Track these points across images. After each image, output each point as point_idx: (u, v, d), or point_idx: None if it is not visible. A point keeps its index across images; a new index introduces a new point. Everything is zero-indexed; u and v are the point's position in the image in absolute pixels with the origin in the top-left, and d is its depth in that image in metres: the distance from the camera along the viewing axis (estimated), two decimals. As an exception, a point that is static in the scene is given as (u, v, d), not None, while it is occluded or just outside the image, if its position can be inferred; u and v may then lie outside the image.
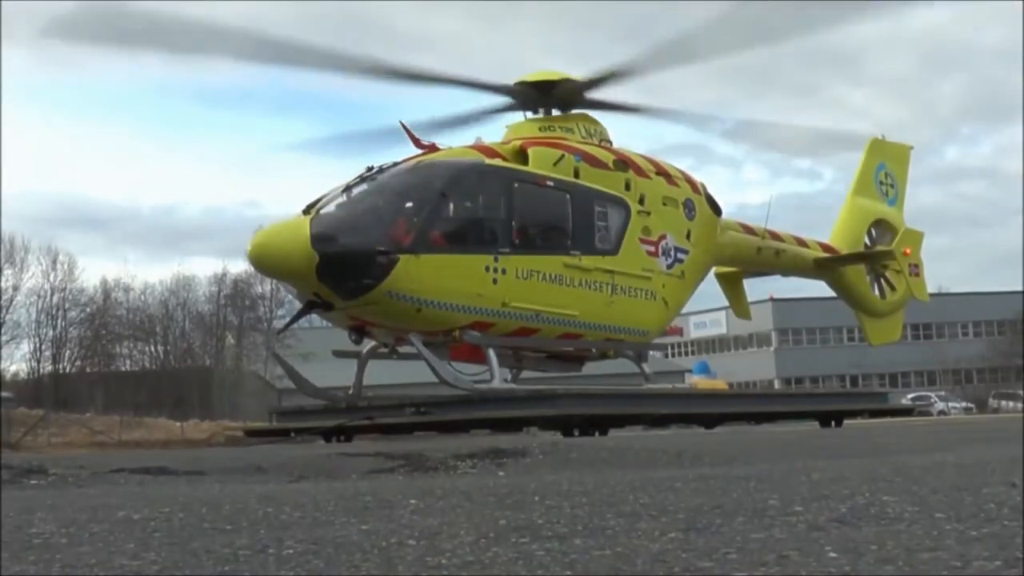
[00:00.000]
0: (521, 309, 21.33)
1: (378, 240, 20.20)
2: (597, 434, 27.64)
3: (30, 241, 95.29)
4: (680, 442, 19.02)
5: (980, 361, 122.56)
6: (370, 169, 21.32)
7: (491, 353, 20.99)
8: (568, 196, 22.54)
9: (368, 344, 22.53)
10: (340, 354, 22.80)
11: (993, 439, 18.07)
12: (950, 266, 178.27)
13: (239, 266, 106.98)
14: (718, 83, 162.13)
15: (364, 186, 21.18)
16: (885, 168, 33.08)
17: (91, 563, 5.25)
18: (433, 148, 22.01)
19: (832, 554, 4.87)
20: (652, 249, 23.60)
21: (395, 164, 21.37)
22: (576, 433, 27.27)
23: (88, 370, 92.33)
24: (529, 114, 24.33)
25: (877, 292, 30.75)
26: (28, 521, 7.05)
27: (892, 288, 30.78)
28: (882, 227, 31.48)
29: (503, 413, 30.53)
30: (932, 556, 4.71)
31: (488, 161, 22.00)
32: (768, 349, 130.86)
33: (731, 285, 29.50)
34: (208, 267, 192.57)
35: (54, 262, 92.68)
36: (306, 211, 20.66)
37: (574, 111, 24.19)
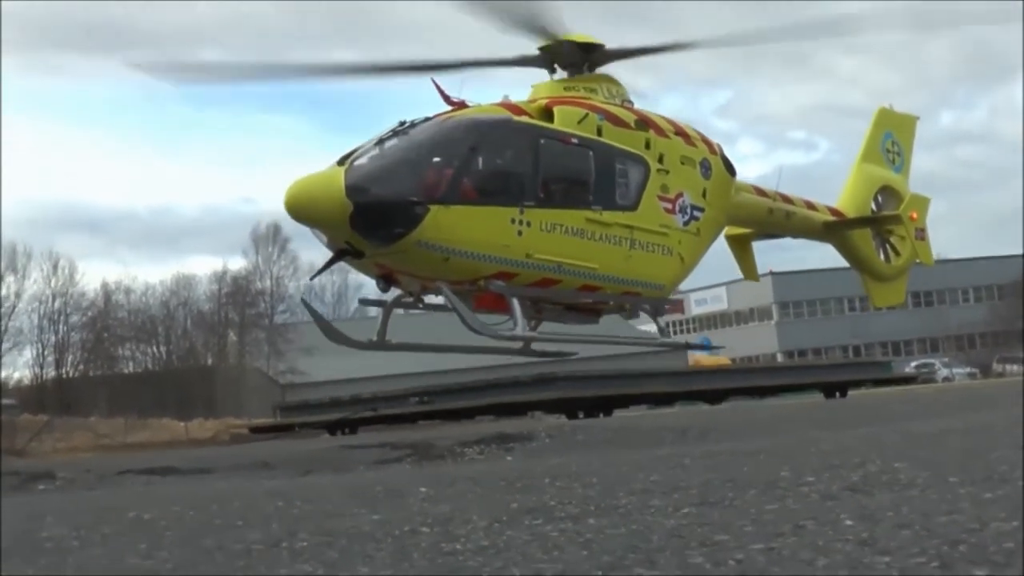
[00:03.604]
0: (544, 261, 21.74)
1: (410, 191, 20.54)
2: (602, 415, 27.68)
3: (31, 247, 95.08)
4: (686, 420, 19.04)
5: (982, 326, 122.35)
6: (402, 123, 21.78)
7: (514, 302, 21.36)
8: (591, 153, 22.93)
9: (394, 293, 22.91)
10: (365, 302, 23.50)
11: (1000, 404, 18.07)
12: (948, 231, 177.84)
13: (238, 263, 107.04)
14: (710, 58, 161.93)
15: (396, 140, 21.43)
16: (892, 137, 33.52)
17: (104, 564, 5.23)
18: (462, 105, 22.44)
19: (848, 522, 4.85)
20: (669, 206, 24.04)
21: (426, 119, 21.77)
22: (581, 415, 27.30)
23: (91, 374, 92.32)
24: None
25: (882, 256, 30.97)
26: (38, 526, 7.03)
27: (897, 253, 30.98)
28: (888, 193, 31.74)
29: (507, 398, 30.58)
30: (949, 519, 4.69)
31: (515, 118, 22.37)
32: (769, 323, 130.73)
33: (741, 248, 29.72)
34: (207, 265, 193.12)
35: (55, 267, 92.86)
36: (340, 162, 20.90)
37: (597, 71, 24.74)
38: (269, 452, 17.77)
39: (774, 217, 28.09)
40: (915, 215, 30.62)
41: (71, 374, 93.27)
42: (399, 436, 19.70)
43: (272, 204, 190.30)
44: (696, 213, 24.72)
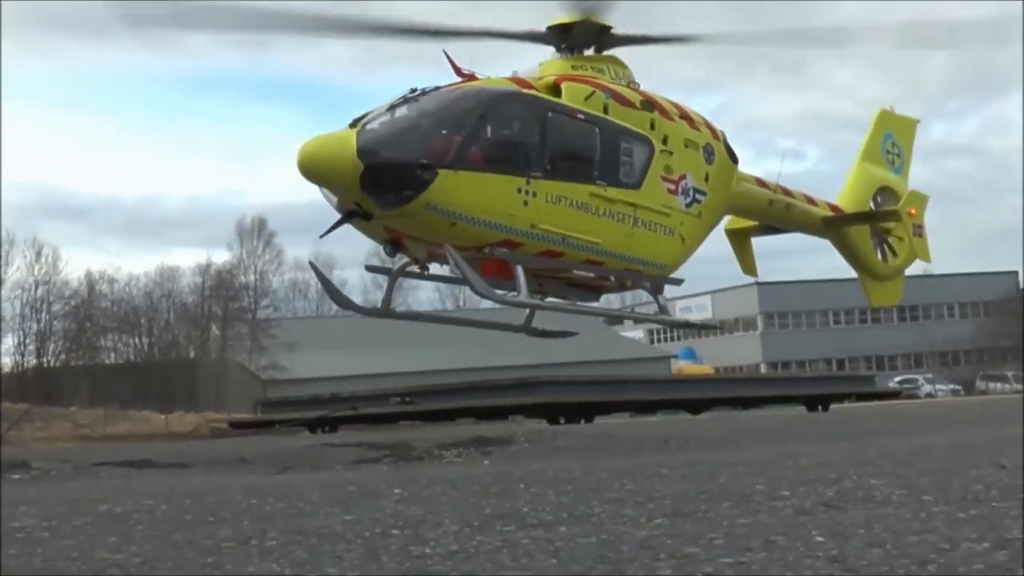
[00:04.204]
0: (548, 232, 22.12)
1: (420, 154, 20.85)
2: (583, 422, 27.71)
3: (14, 234, 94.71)
4: (667, 428, 19.06)
5: (967, 343, 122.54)
6: (413, 91, 22.11)
7: (519, 269, 21.60)
8: (597, 129, 23.25)
9: (400, 261, 23.21)
10: (372, 269, 23.86)
11: (981, 421, 18.11)
12: (936, 245, 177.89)
13: (223, 256, 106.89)
14: (706, 61, 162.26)
15: (407, 106, 21.76)
16: (893, 138, 33.79)
17: (73, 556, 5.21)
18: (472, 77, 22.72)
19: (819, 538, 4.84)
20: (672, 187, 24.37)
21: (436, 88, 22.02)
22: (562, 421, 27.32)
23: (73, 363, 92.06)
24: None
25: (880, 256, 31.17)
26: (11, 515, 7.00)
27: (895, 254, 31.19)
28: (887, 194, 31.95)
29: (488, 402, 30.60)
30: (920, 539, 4.68)
31: (524, 91, 22.87)
32: (754, 333, 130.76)
33: (740, 242, 29.96)
34: (192, 257, 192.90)
35: (38, 255, 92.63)
36: (352, 125, 21.26)
37: (604, 53, 25.04)
38: (248, 448, 17.76)
39: (774, 209, 28.32)
40: (913, 211, 30.79)
41: (52, 363, 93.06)
42: (379, 436, 19.71)
43: (258, 198, 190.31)
44: (698, 196, 25.02)
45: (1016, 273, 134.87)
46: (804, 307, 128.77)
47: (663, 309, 25.47)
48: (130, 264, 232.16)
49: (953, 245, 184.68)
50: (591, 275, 23.93)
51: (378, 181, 20.53)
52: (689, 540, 4.95)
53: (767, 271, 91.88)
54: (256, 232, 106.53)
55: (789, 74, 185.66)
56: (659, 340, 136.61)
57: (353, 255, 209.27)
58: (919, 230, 31.12)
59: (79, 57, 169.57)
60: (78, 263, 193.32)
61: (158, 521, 6.70)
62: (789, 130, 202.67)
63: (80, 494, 9.14)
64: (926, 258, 32.00)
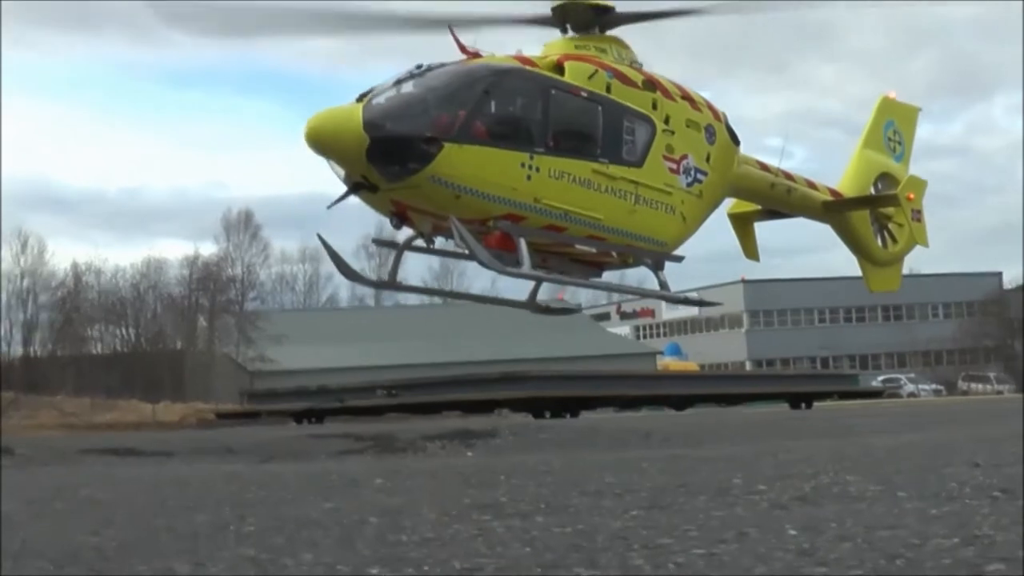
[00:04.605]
0: (551, 207, 22.52)
1: (425, 128, 21.20)
2: (568, 416, 27.77)
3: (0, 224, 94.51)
4: (651, 424, 19.10)
5: (950, 343, 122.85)
6: (419, 67, 22.46)
7: (522, 242, 21.90)
8: (600, 107, 23.62)
9: (406, 234, 23.50)
10: (379, 243, 24.12)
11: (961, 421, 18.17)
12: (919, 247, 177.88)
13: (210, 248, 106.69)
14: (689, 59, 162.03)
15: (413, 81, 22.11)
16: (894, 126, 33.95)
17: (51, 540, 5.24)
18: (477, 55, 22.97)
19: (792, 531, 4.89)
20: (674, 167, 24.69)
21: (442, 64, 22.33)
22: (547, 415, 27.39)
23: (59, 353, 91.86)
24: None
25: (880, 242, 31.35)
26: (-8, 500, 7.04)
27: (895, 240, 31.36)
28: (888, 181, 32.11)
29: (474, 395, 30.65)
30: (891, 534, 4.73)
31: (528, 68, 23.24)
32: (739, 331, 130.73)
33: (743, 226, 30.19)
34: (178, 250, 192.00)
35: (24, 245, 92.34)
36: (359, 99, 21.71)
37: (608, 33, 25.27)
38: (233, 438, 17.80)
39: (775, 192, 28.56)
40: (912, 196, 30.96)
41: (39, 353, 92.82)
42: (364, 428, 19.74)
43: (244, 190, 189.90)
44: (699, 176, 25.31)
45: (1000, 274, 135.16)
46: (789, 305, 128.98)
47: (663, 285, 25.67)
48: (116, 256, 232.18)
49: (937, 245, 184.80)
50: (593, 250, 24.23)
51: (384, 154, 20.87)
52: (663, 531, 5.00)
53: (752, 271, 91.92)
54: (243, 225, 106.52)
55: (775, 72, 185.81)
56: (645, 336, 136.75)
57: (342, 245, 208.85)
58: (918, 215, 31.29)
59: (66, 49, 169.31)
60: (64, 254, 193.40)
61: (138, 507, 6.74)
62: (774, 129, 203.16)
63: (62, 480, 9.17)
64: (924, 243, 32.15)
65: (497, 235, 22.31)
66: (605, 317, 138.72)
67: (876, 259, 31.54)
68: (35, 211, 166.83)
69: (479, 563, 4.29)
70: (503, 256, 22.45)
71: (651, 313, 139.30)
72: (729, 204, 28.80)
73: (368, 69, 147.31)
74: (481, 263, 22.35)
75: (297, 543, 4.95)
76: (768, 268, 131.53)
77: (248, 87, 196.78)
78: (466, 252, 22.44)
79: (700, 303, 26.97)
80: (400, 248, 24.52)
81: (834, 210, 30.22)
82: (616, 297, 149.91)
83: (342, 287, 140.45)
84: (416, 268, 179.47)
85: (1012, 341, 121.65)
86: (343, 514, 6.00)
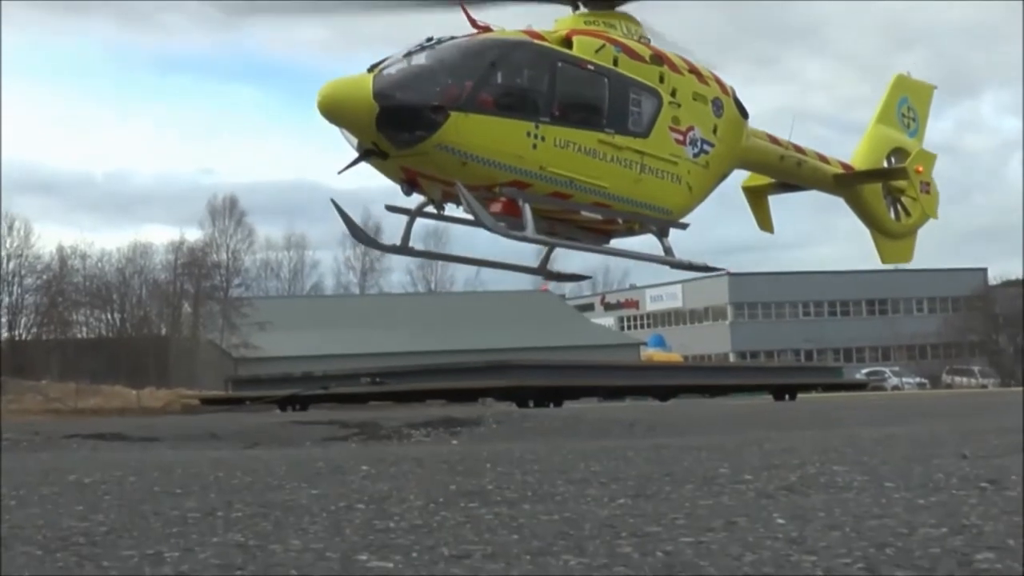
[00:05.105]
0: (557, 174, 23.14)
1: (433, 97, 21.92)
2: (552, 405, 27.78)
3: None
4: (634, 413, 19.13)
5: (934, 337, 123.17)
6: (429, 39, 23.02)
7: (526, 207, 22.31)
8: (606, 80, 24.26)
9: (417, 201, 23.92)
10: (392, 209, 24.57)
11: (945, 414, 18.21)
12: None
13: (195, 234, 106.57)
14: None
15: (423, 53, 22.74)
16: (908, 103, 34.18)
17: (39, 524, 5.23)
18: (487, 29, 23.33)
19: (780, 520, 4.89)
20: (680, 138, 25.17)
21: (452, 38, 23.10)
22: (531, 404, 27.41)
23: (44, 337, 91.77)
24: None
25: (893, 215, 31.55)
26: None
27: (908, 214, 31.53)
28: (901, 156, 32.35)
29: (458, 384, 30.65)
30: (879, 523, 4.74)
31: (536, 41, 23.86)
32: (724, 323, 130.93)
33: (757, 199, 30.52)
34: (164, 235, 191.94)
35: (10, 228, 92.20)
36: (370, 70, 22.29)
37: (618, 9, 25.55)
38: (218, 424, 17.78)
39: (785, 164, 28.87)
40: (920, 168, 31.18)
41: (24, 337, 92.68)
42: (349, 415, 19.75)
43: (230, 177, 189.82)
44: (706, 147, 25.81)
45: (985, 270, 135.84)
46: (774, 298, 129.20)
47: (668, 251, 25.88)
48: (102, 240, 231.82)
49: (924, 242, 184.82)
50: (598, 217, 24.49)
51: (392, 122, 21.54)
52: (651, 520, 5.00)
53: (737, 263, 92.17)
54: (227, 211, 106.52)
55: (764, 68, 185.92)
56: (629, 327, 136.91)
57: (327, 237, 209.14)
58: (927, 187, 31.48)
59: (53, 32, 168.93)
60: (50, 238, 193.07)
61: (126, 492, 6.73)
62: (766, 125, 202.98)
63: (49, 464, 9.16)
64: (934, 214, 32.31)
65: (503, 201, 22.91)
66: (589, 308, 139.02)
67: (889, 232, 31.85)
68: (21, 194, 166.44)
69: (467, 550, 4.29)
70: (509, 221, 22.83)
71: (635, 304, 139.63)
72: (744, 178, 29.18)
73: (356, 59, 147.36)
74: (485, 226, 22.87)
75: (285, 529, 4.95)
76: (753, 261, 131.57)
77: (236, 74, 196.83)
78: (474, 219, 23.04)
79: (705, 268, 27.14)
80: (412, 215, 24.94)
81: (844, 183, 30.51)
82: (601, 288, 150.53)
83: (327, 276, 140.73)
84: (401, 258, 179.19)
85: (996, 336, 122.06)
86: (330, 500, 6.01)
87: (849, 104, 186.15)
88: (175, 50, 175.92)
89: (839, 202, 31.49)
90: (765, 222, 31.02)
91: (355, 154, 22.16)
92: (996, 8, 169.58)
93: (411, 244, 25.95)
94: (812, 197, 32.29)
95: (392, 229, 26.37)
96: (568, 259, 35.80)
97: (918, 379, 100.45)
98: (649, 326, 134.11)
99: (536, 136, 22.70)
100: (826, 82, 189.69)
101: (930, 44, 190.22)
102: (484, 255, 31.79)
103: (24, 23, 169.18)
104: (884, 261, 33.48)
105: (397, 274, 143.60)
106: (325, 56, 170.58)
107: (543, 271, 26.39)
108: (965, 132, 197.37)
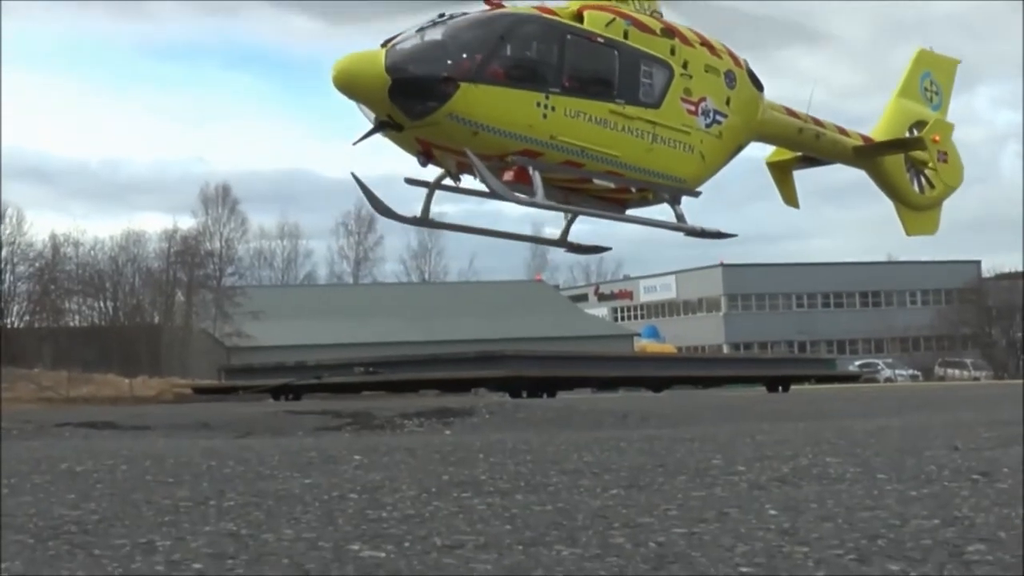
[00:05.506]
0: (568, 144, 23.51)
1: (443, 68, 22.41)
2: (545, 396, 27.78)
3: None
4: (627, 404, 19.13)
5: (927, 329, 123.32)
6: (441, 15, 23.53)
7: (536, 175, 22.96)
8: (616, 52, 24.59)
9: (435, 173, 24.27)
10: (411, 181, 24.97)
11: (938, 406, 18.22)
12: (900, 232, 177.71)
13: (188, 223, 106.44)
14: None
15: (434, 29, 23.21)
16: (931, 76, 34.19)
17: (31, 513, 5.23)
18: (499, 5, 23.62)
19: (772, 511, 4.90)
20: (692, 108, 25.49)
21: (464, 13, 23.68)
22: (524, 395, 27.39)
23: (37, 325, 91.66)
24: None
25: (916, 188, 31.59)
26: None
27: (932, 186, 31.56)
28: (922, 128, 32.24)
29: (452, 374, 30.64)
30: (871, 515, 4.74)
31: (546, 15, 24.26)
32: (717, 314, 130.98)
33: (781, 174, 30.63)
34: (157, 223, 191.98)
35: (2, 215, 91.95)
36: (383, 45, 22.84)
37: None
38: (210, 413, 17.78)
39: (804, 137, 28.99)
40: (937, 137, 31.26)
41: (16, 325, 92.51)
42: (342, 405, 19.74)
43: (223, 165, 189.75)
44: (719, 117, 26.12)
45: (978, 262, 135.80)
46: (767, 290, 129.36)
47: (680, 217, 26.01)
48: (95, 228, 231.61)
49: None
50: (611, 185, 24.65)
51: (405, 93, 22.04)
52: (643, 511, 5.00)
53: (732, 255, 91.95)
54: (221, 199, 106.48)
55: (757, 62, 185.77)
56: (623, 318, 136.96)
57: (321, 226, 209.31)
58: (944, 156, 31.54)
59: (48, 20, 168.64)
60: (43, 225, 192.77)
61: (118, 480, 6.73)
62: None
63: (41, 453, 9.15)
64: (955, 183, 32.32)
65: (515, 170, 23.23)
66: (583, 298, 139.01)
67: (912, 203, 31.90)
68: (14, 181, 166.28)
69: (459, 540, 4.30)
70: (521, 189, 23.12)
71: (629, 295, 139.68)
72: (768, 153, 29.37)
73: (350, 46, 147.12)
74: (494, 193, 23.38)
75: (277, 518, 4.95)
76: (747, 253, 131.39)
77: (231, 62, 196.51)
78: (490, 191, 23.44)
79: (717, 235, 27.22)
80: (431, 186, 25.19)
81: (863, 155, 30.57)
82: (595, 278, 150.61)
83: (321, 265, 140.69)
84: (395, 247, 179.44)
85: (989, 328, 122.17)
86: (323, 490, 6.01)
87: (840, 96, 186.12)
88: (169, 38, 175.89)
89: (834, 193, 31.63)
90: (790, 197, 31.17)
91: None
92: (991, 4, 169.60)
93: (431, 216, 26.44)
94: (805, 189, 32.26)
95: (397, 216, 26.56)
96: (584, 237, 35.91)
97: (911, 371, 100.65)
98: (643, 317, 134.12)
99: (546, 106, 23.08)
100: (816, 74, 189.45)
101: (923, 37, 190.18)
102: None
103: (19, 11, 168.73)
104: (908, 233, 33.44)
105: (391, 264, 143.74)
106: (319, 43, 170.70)
107: (564, 242, 26.72)
108: (959, 124, 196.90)
